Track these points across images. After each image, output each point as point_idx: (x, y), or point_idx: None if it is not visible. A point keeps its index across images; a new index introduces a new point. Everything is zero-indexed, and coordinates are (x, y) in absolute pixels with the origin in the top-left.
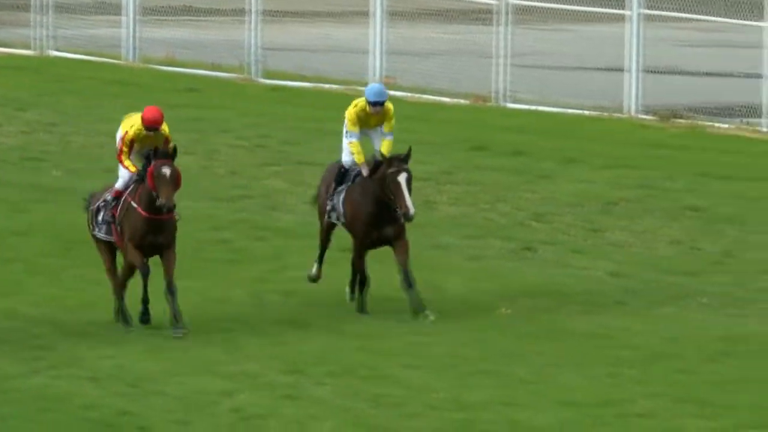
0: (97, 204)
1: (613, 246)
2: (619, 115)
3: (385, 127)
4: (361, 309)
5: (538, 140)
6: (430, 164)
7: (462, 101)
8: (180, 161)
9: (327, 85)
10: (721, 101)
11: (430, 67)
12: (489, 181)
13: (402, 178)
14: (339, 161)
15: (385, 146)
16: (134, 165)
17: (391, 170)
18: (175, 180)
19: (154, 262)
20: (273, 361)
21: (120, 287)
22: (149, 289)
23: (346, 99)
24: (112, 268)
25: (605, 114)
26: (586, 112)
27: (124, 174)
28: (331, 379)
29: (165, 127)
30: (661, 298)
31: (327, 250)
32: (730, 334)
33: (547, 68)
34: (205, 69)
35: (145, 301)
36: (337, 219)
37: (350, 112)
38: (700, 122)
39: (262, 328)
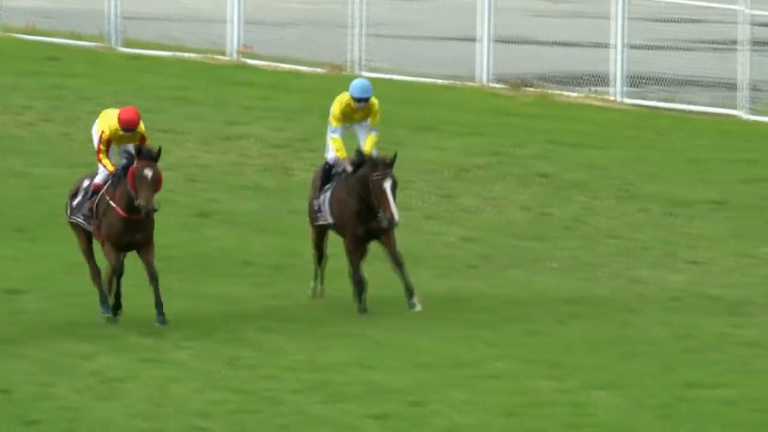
0: (74, 190)
1: (465, 212)
2: (471, 84)
3: (371, 122)
4: (363, 309)
5: (392, 108)
6: (286, 131)
7: (318, 70)
8: (39, 129)
9: (186, 54)
10: (570, 70)
11: (287, 36)
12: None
13: (387, 184)
14: (324, 164)
15: (369, 142)
16: (112, 164)
17: (376, 176)
18: (156, 182)
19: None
20: (133, 324)
21: (96, 275)
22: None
23: (205, 67)
24: (88, 250)
25: (458, 83)
26: (440, 81)
27: (103, 170)
28: (190, 342)
29: (141, 127)
30: (512, 262)
31: (324, 265)
32: (578, 297)
33: (401, 38)
34: (66, 38)
35: (118, 295)
36: (325, 220)
37: (335, 108)
38: (549, 91)
39: (122, 291)
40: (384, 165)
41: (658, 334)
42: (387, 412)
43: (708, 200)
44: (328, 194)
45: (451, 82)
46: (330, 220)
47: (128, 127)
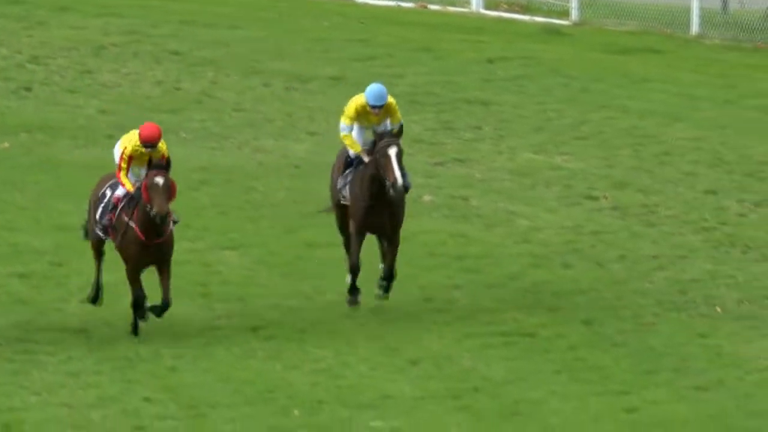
0: (97, 196)
1: (103, 86)
2: None
3: (392, 121)
4: (353, 301)
5: None
6: None
7: None
8: None
9: None
10: None
11: None
12: None
13: (392, 151)
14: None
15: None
16: (132, 184)
17: (382, 143)
18: (168, 189)
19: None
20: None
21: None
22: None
23: None
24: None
25: None
26: None
27: (120, 193)
28: None
29: (162, 145)
30: None
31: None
32: (208, 165)
33: None
34: None
35: (141, 315)
36: (347, 202)
37: (349, 107)
38: None
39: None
40: (390, 134)
41: (280, 199)
42: (30, 271)
43: (326, 76)
44: (348, 179)
45: None
46: (347, 203)
47: (149, 143)
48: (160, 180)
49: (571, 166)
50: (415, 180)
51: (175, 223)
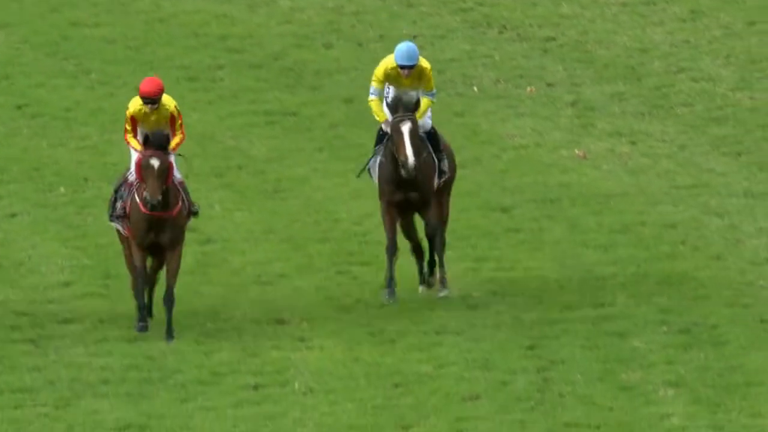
0: (117, 186)
1: None
2: None
3: (425, 87)
4: (390, 292)
5: None
6: None
7: None
8: None
9: None
10: None
11: None
12: None
13: (405, 127)
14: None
15: (423, 106)
16: (140, 143)
17: (395, 118)
18: (164, 173)
19: None
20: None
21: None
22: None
23: None
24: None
25: None
26: None
27: (133, 155)
28: None
29: (170, 103)
30: None
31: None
32: None
33: None
34: None
35: (141, 307)
36: (373, 179)
37: (378, 70)
38: None
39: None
40: (405, 108)
41: None
42: None
43: None
44: (378, 156)
45: None
46: (375, 182)
47: (147, 97)
48: (155, 162)
49: None
50: None
51: (195, 214)
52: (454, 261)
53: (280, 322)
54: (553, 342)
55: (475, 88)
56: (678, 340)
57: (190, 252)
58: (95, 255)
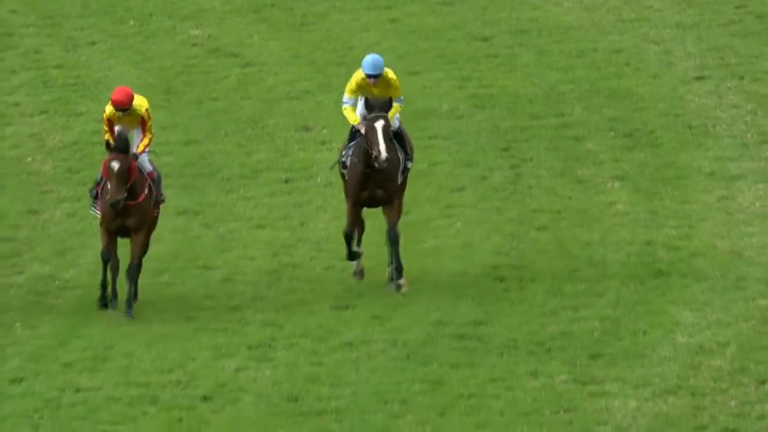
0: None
1: None
2: None
3: (393, 95)
4: (358, 273)
5: None
6: None
7: None
8: None
9: None
10: None
11: None
12: None
13: (379, 124)
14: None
15: (393, 108)
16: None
17: (370, 116)
18: (124, 174)
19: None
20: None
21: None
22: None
23: None
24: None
25: None
26: None
27: None
28: None
29: (141, 107)
30: None
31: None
32: None
33: None
34: None
35: (104, 285)
36: (346, 171)
37: (351, 81)
38: None
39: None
40: (380, 107)
41: None
42: None
43: None
44: (350, 151)
45: None
46: (345, 179)
47: (119, 106)
48: (115, 165)
49: None
50: None
51: (161, 203)
52: (445, 81)
53: (306, 128)
54: (523, 144)
55: None
56: (623, 143)
57: (234, 74)
58: (158, 75)
